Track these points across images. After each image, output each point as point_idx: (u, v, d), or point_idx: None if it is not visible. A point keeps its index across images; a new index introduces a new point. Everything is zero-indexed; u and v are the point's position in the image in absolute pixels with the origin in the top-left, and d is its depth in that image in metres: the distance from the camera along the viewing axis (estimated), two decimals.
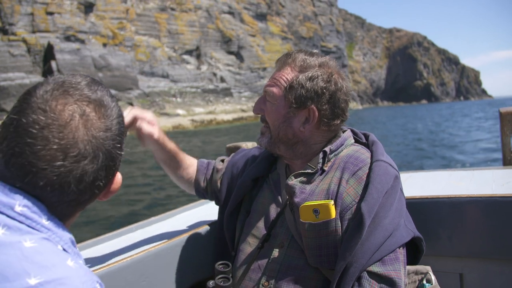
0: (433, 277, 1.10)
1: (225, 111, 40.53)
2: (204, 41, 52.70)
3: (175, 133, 28.05)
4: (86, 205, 0.64)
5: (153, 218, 1.54)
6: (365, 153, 1.11)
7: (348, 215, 1.02)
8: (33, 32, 36.08)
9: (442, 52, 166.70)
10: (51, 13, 37.91)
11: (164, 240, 1.29)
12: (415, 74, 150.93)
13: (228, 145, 2.02)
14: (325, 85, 1.07)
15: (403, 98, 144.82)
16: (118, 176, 0.68)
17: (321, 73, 1.08)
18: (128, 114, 1.11)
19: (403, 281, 1.00)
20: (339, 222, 1.02)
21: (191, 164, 1.35)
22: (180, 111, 36.36)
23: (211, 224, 1.42)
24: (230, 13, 59.20)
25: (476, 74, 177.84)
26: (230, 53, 55.47)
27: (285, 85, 1.09)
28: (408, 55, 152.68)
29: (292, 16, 76.56)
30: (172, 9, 51.74)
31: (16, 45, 33.80)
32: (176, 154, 1.28)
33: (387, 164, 1.06)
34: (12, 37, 34.32)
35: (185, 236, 1.33)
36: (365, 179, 1.04)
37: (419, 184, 1.64)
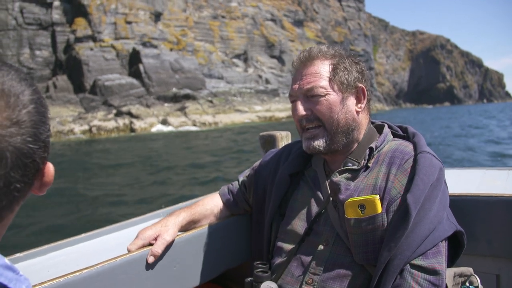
0: (477, 279, 1.07)
1: (278, 109, 45.41)
2: (251, 46, 57.79)
3: (249, 127, 31.88)
4: (9, 211, 0.51)
5: (182, 203, 1.43)
6: (408, 146, 1.10)
7: (393, 207, 1.00)
8: (116, 39, 41.65)
9: (465, 54, 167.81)
10: (129, 22, 43.34)
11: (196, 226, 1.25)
12: (438, 77, 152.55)
13: (261, 134, 1.98)
14: (361, 64, 1.13)
15: (425, 100, 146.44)
16: (50, 168, 0.56)
17: (348, 55, 1.13)
18: (136, 242, 1.12)
19: (445, 274, 0.97)
20: (385, 217, 1.00)
21: (215, 206, 1.36)
22: (246, 109, 41.62)
23: (245, 213, 1.39)
24: (273, 20, 64.09)
25: (500, 76, 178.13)
26: (273, 57, 60.33)
27: (328, 74, 1.08)
28: (431, 57, 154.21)
29: (325, 21, 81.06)
30: (223, 16, 56.95)
31: (107, 50, 39.25)
32: (196, 218, 1.28)
33: (431, 156, 1.04)
34: (103, 44, 39.98)
35: (218, 223, 1.31)
36: (410, 171, 1.02)
37: (453, 181, 1.57)
